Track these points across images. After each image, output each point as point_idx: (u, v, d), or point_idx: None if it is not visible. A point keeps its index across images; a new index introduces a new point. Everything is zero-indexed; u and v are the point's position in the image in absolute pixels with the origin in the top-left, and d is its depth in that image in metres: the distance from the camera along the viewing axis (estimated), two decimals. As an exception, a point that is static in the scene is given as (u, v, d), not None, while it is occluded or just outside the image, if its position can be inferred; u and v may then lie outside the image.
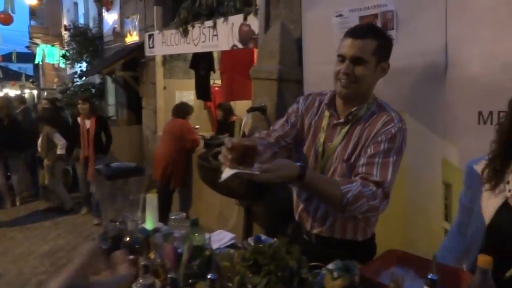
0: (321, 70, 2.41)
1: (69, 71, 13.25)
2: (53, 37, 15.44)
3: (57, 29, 15.08)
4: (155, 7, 5.78)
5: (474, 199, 1.29)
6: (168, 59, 6.15)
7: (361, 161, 1.34)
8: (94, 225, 4.61)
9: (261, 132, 1.68)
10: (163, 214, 1.92)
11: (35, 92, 19.38)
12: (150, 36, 5.90)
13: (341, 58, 1.34)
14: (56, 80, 17.69)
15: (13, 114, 5.50)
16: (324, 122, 1.46)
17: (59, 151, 4.89)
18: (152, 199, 1.69)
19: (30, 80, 21.98)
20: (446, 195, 1.97)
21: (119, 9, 7.85)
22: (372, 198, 1.26)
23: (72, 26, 10.27)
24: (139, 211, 1.61)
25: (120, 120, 8.01)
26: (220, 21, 4.20)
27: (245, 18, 3.80)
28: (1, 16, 8.00)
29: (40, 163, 5.41)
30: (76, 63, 10.44)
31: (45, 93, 18.55)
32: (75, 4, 13.08)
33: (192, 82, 6.08)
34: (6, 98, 7.04)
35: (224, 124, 5.52)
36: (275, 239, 1.58)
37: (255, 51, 3.78)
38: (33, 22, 20.41)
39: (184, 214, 1.65)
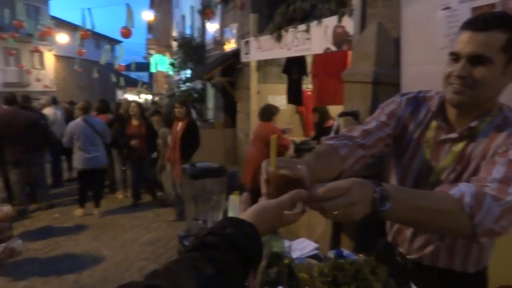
0: (420, 71, 2.18)
1: (176, 78, 14.62)
2: (164, 47, 17.26)
3: (167, 40, 16.81)
4: (251, 14, 5.99)
5: None
6: (262, 65, 6.30)
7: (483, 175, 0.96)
8: (168, 221, 4.95)
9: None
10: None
11: (149, 96, 21.87)
12: (246, 42, 6.12)
13: (455, 56, 1.04)
14: (165, 86, 19.72)
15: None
16: (429, 135, 1.17)
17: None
18: (234, 200, 1.71)
19: (145, 86, 24.90)
20: None
21: (220, 19, 8.36)
22: (498, 196, 0.90)
23: (179, 37, 11.31)
24: (220, 211, 1.64)
25: (217, 123, 8.50)
26: (313, 24, 4.13)
27: (339, 20, 3.67)
28: (123, 30, 9.21)
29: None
30: (181, 70, 11.46)
31: (156, 97, 20.80)
32: (183, 17, 14.39)
33: (285, 86, 6.13)
34: (127, 100, 8.07)
35: (321, 127, 5.37)
36: (360, 255, 1.47)
37: (349, 53, 3.62)
38: (149, 35, 23.14)
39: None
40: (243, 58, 6.34)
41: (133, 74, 30.20)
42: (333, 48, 3.84)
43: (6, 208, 0.94)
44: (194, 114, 8.59)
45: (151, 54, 19.42)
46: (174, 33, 15.31)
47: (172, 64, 12.05)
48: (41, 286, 3.36)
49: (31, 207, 5.36)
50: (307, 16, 4.36)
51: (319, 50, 4.10)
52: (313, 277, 1.19)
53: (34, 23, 14.42)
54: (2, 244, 0.91)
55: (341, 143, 1.20)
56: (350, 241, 2.95)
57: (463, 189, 0.90)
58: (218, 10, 8.39)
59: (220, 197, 1.64)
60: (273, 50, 5.21)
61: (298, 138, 5.76)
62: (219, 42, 8.49)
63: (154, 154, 5.76)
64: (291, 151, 4.64)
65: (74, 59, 16.98)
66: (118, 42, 22.14)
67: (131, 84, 27.65)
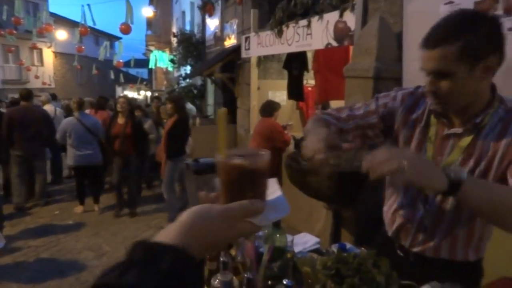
0: (424, 66, 2.16)
1: (175, 74, 14.59)
2: (164, 44, 17.22)
3: (167, 37, 16.76)
4: (252, 10, 5.96)
5: None
6: (262, 60, 6.29)
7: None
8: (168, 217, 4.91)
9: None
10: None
11: (148, 93, 21.84)
12: (247, 38, 6.10)
13: (425, 71, 1.08)
14: (165, 82, 19.69)
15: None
16: (432, 131, 1.18)
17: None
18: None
19: (144, 83, 24.85)
20: None
21: (220, 14, 8.33)
22: None
23: (179, 33, 11.27)
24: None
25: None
26: (314, 19, 4.11)
27: (341, 15, 3.65)
28: (122, 27, 9.17)
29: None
30: (181, 67, 11.44)
31: (156, 93, 20.76)
32: (183, 13, 14.34)
33: (285, 82, 6.12)
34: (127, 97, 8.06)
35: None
36: (362, 248, 1.47)
37: (351, 48, 3.60)
38: (148, 32, 23.07)
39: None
40: (244, 54, 6.32)
41: (132, 71, 30.18)
42: (334, 44, 3.83)
43: None
44: (194, 111, 8.58)
45: (150, 51, 19.37)
46: (174, 29, 15.26)
47: (172, 61, 12.02)
48: (42, 283, 3.36)
49: (29, 203, 5.37)
50: (308, 11, 4.34)
51: (320, 45, 4.09)
52: (316, 270, 1.20)
53: (33, 19, 14.37)
54: None
55: (332, 121, 1.31)
56: (350, 236, 2.96)
57: None
58: (218, 5, 8.35)
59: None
60: (273, 46, 5.20)
61: (298, 133, 5.76)
62: (219, 38, 8.46)
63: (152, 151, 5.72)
64: (291, 146, 4.65)
65: (73, 56, 16.93)
66: (118, 38, 22.08)
67: (131, 80, 27.60)
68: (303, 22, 4.34)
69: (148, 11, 19.88)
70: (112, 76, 20.50)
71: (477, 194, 0.94)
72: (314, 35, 4.18)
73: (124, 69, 25.42)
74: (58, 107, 6.99)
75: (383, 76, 2.67)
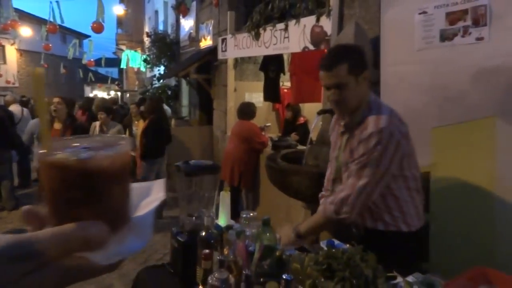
0: (399, 71, 2.29)
1: (148, 74, 14.34)
2: (136, 43, 16.85)
3: (140, 36, 16.42)
4: (228, 12, 5.99)
5: None
6: (239, 62, 6.32)
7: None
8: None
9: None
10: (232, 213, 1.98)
11: (119, 93, 21.31)
12: (223, 40, 6.12)
13: (326, 87, 1.57)
14: (137, 82, 19.27)
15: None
16: (339, 130, 1.73)
17: None
18: (225, 196, 1.74)
19: (116, 83, 24.22)
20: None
21: (195, 15, 8.29)
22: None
23: (152, 33, 11.09)
24: (213, 207, 1.68)
25: (193, 121, 8.44)
26: (292, 23, 4.21)
27: (317, 20, 3.75)
28: (94, 25, 8.94)
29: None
30: (155, 67, 11.25)
31: (127, 94, 20.28)
32: (156, 12, 14.12)
33: (261, 84, 6.18)
34: (102, 99, 7.85)
35: (292, 124, 5.54)
36: (347, 245, 1.55)
37: (327, 52, 3.71)
38: (119, 30, 22.52)
39: (255, 213, 1.68)
40: (220, 56, 6.33)
41: (102, 70, 29.32)
42: (311, 47, 3.93)
43: None
44: (169, 112, 8.49)
45: (121, 50, 18.90)
46: (147, 29, 14.99)
47: (145, 61, 11.81)
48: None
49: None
50: (285, 14, 4.43)
51: (297, 48, 4.18)
52: (305, 266, 1.26)
53: (-5, 15, 13.70)
54: None
55: None
56: (328, 233, 3.05)
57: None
58: (193, 6, 8.31)
59: (212, 194, 1.67)
60: (250, 48, 5.25)
61: (275, 135, 5.84)
62: (194, 39, 8.42)
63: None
64: (269, 148, 4.71)
65: (39, 54, 16.25)
66: (87, 36, 21.42)
67: (100, 80, 26.80)
68: (281, 25, 4.42)
69: (118, 9, 19.41)
70: (81, 75, 19.84)
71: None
72: (291, 38, 4.27)
73: (93, 69, 24.69)
74: (25, 108, 6.72)
75: (360, 80, 2.78)
